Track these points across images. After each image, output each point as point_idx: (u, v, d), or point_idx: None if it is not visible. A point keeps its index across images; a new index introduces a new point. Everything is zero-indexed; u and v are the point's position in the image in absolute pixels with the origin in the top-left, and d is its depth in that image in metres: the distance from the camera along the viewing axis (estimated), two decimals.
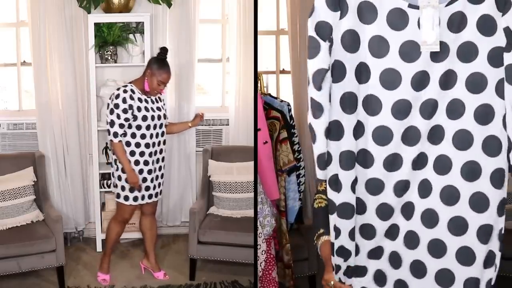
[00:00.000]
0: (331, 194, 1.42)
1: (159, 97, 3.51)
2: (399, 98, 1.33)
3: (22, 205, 3.69)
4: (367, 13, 1.29)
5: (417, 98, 1.32)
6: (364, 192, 1.40)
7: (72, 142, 4.17)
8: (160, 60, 3.40)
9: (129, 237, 4.24)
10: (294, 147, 3.44)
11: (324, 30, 1.34)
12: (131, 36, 4.19)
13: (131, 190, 3.40)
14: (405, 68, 1.31)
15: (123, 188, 3.41)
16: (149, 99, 3.42)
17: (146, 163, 3.40)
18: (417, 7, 1.29)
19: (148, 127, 3.38)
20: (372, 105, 1.34)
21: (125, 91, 3.33)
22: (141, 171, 3.40)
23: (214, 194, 3.96)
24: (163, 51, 3.43)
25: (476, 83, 1.30)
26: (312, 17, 1.36)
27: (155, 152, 3.46)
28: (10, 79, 4.39)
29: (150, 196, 3.51)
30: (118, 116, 3.28)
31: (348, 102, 1.37)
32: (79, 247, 4.21)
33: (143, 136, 3.36)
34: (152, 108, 3.41)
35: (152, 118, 3.39)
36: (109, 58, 4.11)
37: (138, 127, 3.34)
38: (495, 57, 1.28)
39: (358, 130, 1.38)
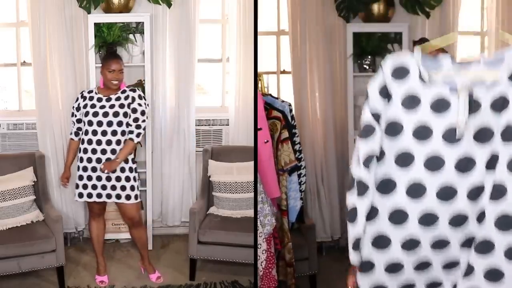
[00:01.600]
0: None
1: (132, 97, 3.41)
2: (443, 181, 1.37)
3: (22, 205, 3.69)
4: (411, 101, 1.35)
5: (462, 181, 1.36)
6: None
7: None
8: (107, 54, 3.55)
9: (128, 237, 4.23)
10: (295, 147, 3.44)
11: (377, 115, 1.40)
12: (131, 36, 4.19)
13: (76, 186, 3.47)
14: (447, 152, 1.36)
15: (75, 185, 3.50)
16: (104, 98, 3.43)
17: (89, 160, 3.41)
18: (455, 90, 1.34)
19: (90, 123, 3.39)
20: (416, 189, 1.39)
21: (81, 93, 3.55)
22: (84, 168, 3.42)
23: (214, 194, 3.96)
24: (110, 46, 3.59)
25: None
26: (367, 102, 1.43)
27: (102, 150, 3.38)
28: (10, 79, 4.39)
29: (99, 195, 3.44)
30: (71, 115, 3.55)
31: (386, 185, 1.42)
32: (79, 247, 4.22)
33: (86, 133, 3.41)
34: (102, 106, 3.40)
35: (95, 114, 3.39)
36: None
37: (88, 124, 3.40)
38: None
39: (401, 217, 1.41)
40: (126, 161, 3.42)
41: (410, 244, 1.41)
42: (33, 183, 3.81)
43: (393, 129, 1.37)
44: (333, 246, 4.37)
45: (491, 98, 1.34)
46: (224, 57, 4.53)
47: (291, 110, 3.43)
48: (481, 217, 1.37)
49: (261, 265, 2.87)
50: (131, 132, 3.40)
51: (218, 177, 3.94)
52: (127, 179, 3.43)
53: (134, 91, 3.47)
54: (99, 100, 3.44)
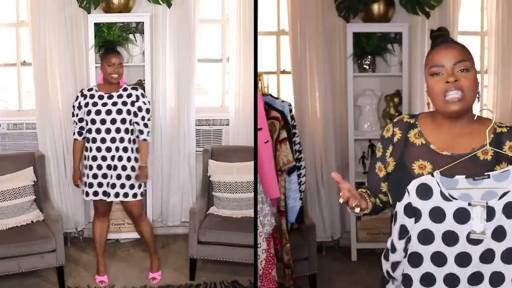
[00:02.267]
0: None
1: (136, 95, 3.41)
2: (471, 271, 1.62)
3: (22, 205, 3.69)
4: (437, 215, 1.61)
5: (485, 270, 1.60)
6: None
7: (72, 142, 4.16)
8: (106, 49, 3.57)
9: (129, 237, 4.24)
10: (295, 147, 3.44)
11: (404, 232, 1.65)
12: (131, 36, 4.19)
13: (84, 184, 3.48)
14: (472, 250, 1.62)
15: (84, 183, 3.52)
16: (105, 95, 3.42)
17: (94, 158, 3.42)
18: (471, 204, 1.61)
19: (93, 122, 3.40)
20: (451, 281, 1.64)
21: (80, 91, 3.54)
22: (90, 167, 3.44)
23: (214, 194, 3.96)
24: (109, 42, 3.63)
25: None
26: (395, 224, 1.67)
27: (107, 148, 3.39)
28: (10, 79, 4.39)
29: (105, 193, 3.44)
30: (72, 115, 3.53)
31: (428, 279, 1.66)
32: (79, 247, 4.22)
33: (89, 131, 3.43)
34: (104, 103, 3.40)
35: (97, 113, 3.39)
36: None
37: (91, 122, 3.41)
38: None
39: None
40: (136, 160, 3.45)
41: None
42: (33, 183, 3.81)
43: (425, 237, 1.62)
44: (333, 246, 4.37)
45: (502, 205, 1.58)
46: (224, 57, 4.53)
47: (290, 110, 3.43)
48: None
49: (261, 264, 2.88)
50: (141, 132, 3.42)
51: (218, 177, 3.94)
52: (128, 177, 3.43)
53: (136, 89, 3.47)
54: (101, 97, 3.43)
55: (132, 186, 3.43)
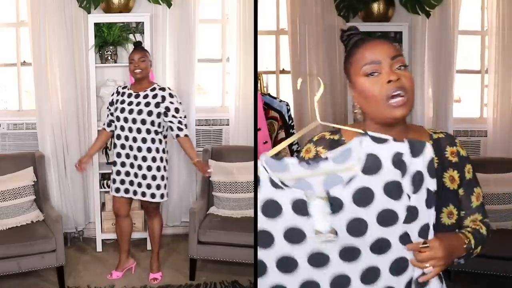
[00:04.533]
0: None
1: (162, 96, 3.41)
2: (334, 272, 1.37)
3: (22, 205, 3.69)
4: (271, 209, 1.35)
5: (352, 270, 1.35)
6: None
7: (72, 142, 4.17)
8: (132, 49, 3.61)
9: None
10: (293, 147, 3.44)
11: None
12: (131, 36, 4.19)
13: (109, 179, 3.59)
14: (328, 248, 1.35)
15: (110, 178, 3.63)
16: (137, 93, 3.46)
17: (118, 155, 3.49)
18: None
19: (118, 119, 3.46)
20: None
21: (117, 88, 3.61)
22: (114, 163, 3.52)
23: (214, 194, 3.96)
24: (136, 43, 3.65)
25: (407, 241, 1.36)
26: None
27: (129, 146, 3.44)
28: (10, 79, 4.39)
29: (126, 191, 3.51)
30: (107, 108, 3.62)
31: None
32: (79, 247, 4.22)
33: (116, 127, 3.50)
34: (130, 102, 3.44)
35: (122, 110, 3.44)
36: (109, 58, 4.12)
37: (116, 119, 3.49)
38: (410, 215, 1.33)
39: None
40: (162, 160, 3.47)
41: None
42: (33, 183, 3.81)
43: (265, 239, 1.36)
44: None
45: (351, 193, 1.32)
46: (224, 57, 4.53)
47: (288, 110, 3.43)
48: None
49: None
50: (179, 129, 3.41)
51: (218, 177, 3.94)
52: (154, 178, 3.48)
53: (163, 90, 3.46)
54: (129, 96, 3.48)
55: (158, 187, 3.47)
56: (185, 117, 3.47)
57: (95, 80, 4.02)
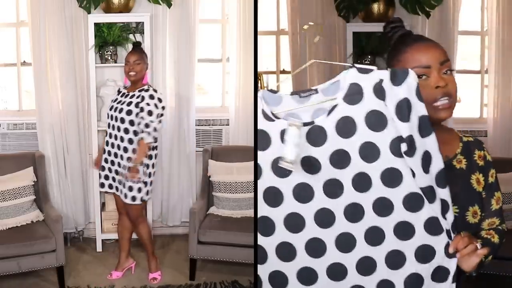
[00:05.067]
0: None
1: (142, 96, 3.39)
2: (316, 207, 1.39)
3: (22, 205, 3.69)
4: (261, 140, 1.41)
5: (335, 205, 1.37)
6: None
7: (72, 142, 4.17)
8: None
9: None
10: None
11: None
12: (131, 36, 4.19)
13: (99, 176, 3.65)
14: (313, 183, 1.37)
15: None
16: (128, 93, 3.48)
17: (109, 153, 3.52)
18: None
19: (108, 116, 3.50)
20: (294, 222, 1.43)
21: (118, 88, 3.67)
22: (105, 160, 3.56)
23: (214, 194, 3.96)
24: (135, 43, 3.67)
25: (391, 178, 1.34)
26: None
27: (111, 144, 3.48)
28: (10, 79, 4.39)
29: (110, 186, 3.56)
30: None
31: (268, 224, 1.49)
32: (79, 247, 4.22)
33: (108, 125, 3.54)
34: (119, 101, 3.48)
35: (111, 108, 3.49)
36: (109, 58, 4.12)
37: (108, 117, 3.53)
38: (397, 148, 1.32)
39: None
40: (144, 164, 3.42)
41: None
42: (33, 183, 3.81)
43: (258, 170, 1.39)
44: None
45: (334, 123, 1.34)
46: (224, 57, 4.52)
47: None
48: (370, 237, 1.38)
49: None
50: (142, 131, 3.38)
51: (218, 177, 3.94)
52: (144, 182, 3.44)
53: (147, 90, 3.44)
54: (123, 95, 3.52)
55: (130, 188, 3.42)
56: (159, 121, 3.40)
57: (95, 80, 4.02)
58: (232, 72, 4.35)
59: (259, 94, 1.44)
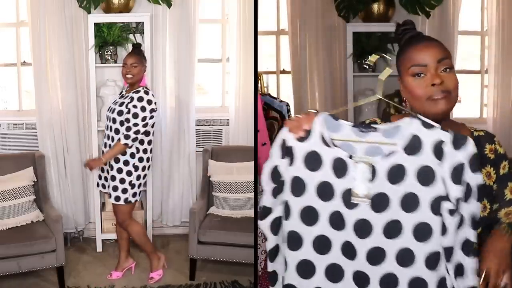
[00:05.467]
0: None
1: (131, 97, 3.38)
2: (345, 239, 1.41)
3: (22, 205, 3.69)
4: (313, 161, 1.42)
5: (361, 243, 1.39)
6: None
7: (72, 142, 4.17)
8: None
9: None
10: None
11: (276, 173, 1.46)
12: (131, 36, 4.19)
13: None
14: (347, 213, 1.40)
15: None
16: (126, 95, 3.48)
17: (102, 152, 3.55)
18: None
19: (106, 117, 3.54)
20: (322, 244, 1.44)
21: (121, 90, 3.70)
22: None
23: (214, 194, 3.96)
24: (134, 45, 3.68)
25: (422, 232, 1.35)
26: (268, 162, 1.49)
27: (105, 144, 3.50)
28: (10, 79, 4.39)
29: (103, 186, 3.59)
30: None
31: (295, 239, 1.46)
32: (79, 247, 4.22)
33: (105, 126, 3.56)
34: (116, 102, 3.50)
35: (108, 110, 3.53)
36: (109, 58, 4.12)
37: (106, 117, 3.57)
38: (436, 206, 1.34)
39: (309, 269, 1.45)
40: (126, 163, 3.41)
41: None
42: (33, 183, 3.81)
43: (298, 187, 1.43)
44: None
45: (387, 167, 1.37)
46: (224, 57, 4.53)
47: (288, 110, 3.43)
48: (390, 282, 1.39)
49: (260, 265, 2.88)
50: (122, 133, 3.36)
51: (218, 177, 3.94)
52: (122, 181, 3.42)
53: (137, 92, 3.42)
54: (121, 97, 3.54)
55: (124, 191, 3.42)
56: (144, 125, 3.35)
57: (95, 80, 4.02)
58: (232, 72, 4.35)
59: (320, 117, 1.43)
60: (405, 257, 1.36)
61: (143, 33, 4.09)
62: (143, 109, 3.36)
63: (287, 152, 1.44)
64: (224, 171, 3.95)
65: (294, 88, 4.34)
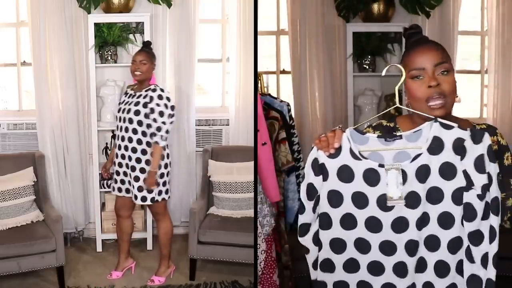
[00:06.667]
0: None
1: (151, 96, 3.36)
2: (383, 239, 1.57)
3: (22, 205, 3.69)
4: (345, 174, 1.56)
5: (399, 239, 1.55)
6: None
7: (72, 142, 4.17)
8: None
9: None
10: (293, 147, 3.44)
11: (312, 190, 1.61)
12: (131, 36, 4.19)
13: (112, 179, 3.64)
14: (384, 216, 1.56)
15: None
16: (134, 94, 3.47)
17: (116, 155, 3.52)
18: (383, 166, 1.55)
19: (117, 119, 3.51)
20: (362, 245, 1.59)
21: (126, 89, 3.64)
22: (115, 163, 3.54)
23: (214, 194, 3.96)
24: (144, 43, 3.66)
25: (445, 220, 1.53)
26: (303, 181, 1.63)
27: (119, 146, 3.47)
28: (10, 79, 4.39)
29: (127, 191, 3.54)
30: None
31: (338, 244, 1.62)
32: (79, 247, 4.22)
33: (116, 127, 3.53)
34: (127, 102, 3.46)
35: (118, 110, 3.50)
36: (109, 58, 4.12)
37: (117, 119, 3.53)
38: (458, 197, 1.51)
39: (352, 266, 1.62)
40: (148, 163, 3.41)
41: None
42: (33, 183, 3.81)
43: (335, 199, 1.57)
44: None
45: (415, 169, 1.52)
46: (224, 57, 4.53)
47: (289, 110, 3.43)
48: (420, 266, 1.56)
49: (260, 265, 2.87)
50: (153, 134, 3.36)
51: (218, 177, 3.94)
52: (134, 177, 3.43)
53: (154, 90, 3.41)
54: (130, 96, 3.50)
55: (150, 190, 3.42)
56: (171, 122, 3.38)
57: (95, 80, 4.02)
58: (232, 72, 4.35)
59: (347, 133, 1.58)
60: (432, 243, 1.53)
61: (143, 33, 4.09)
62: (166, 106, 3.37)
63: (320, 169, 1.57)
64: (224, 171, 3.96)
65: (294, 88, 4.34)
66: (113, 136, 3.91)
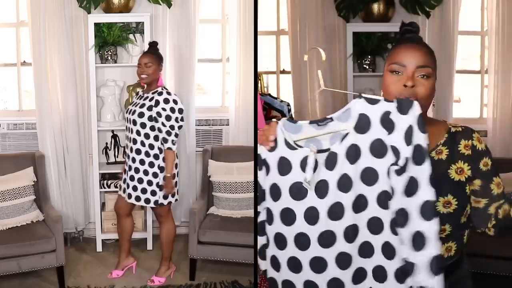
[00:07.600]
0: None
1: (157, 100, 3.32)
2: (322, 230, 1.52)
3: (22, 205, 3.69)
4: (283, 167, 1.53)
5: (336, 226, 1.49)
6: None
7: (72, 142, 4.18)
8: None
9: None
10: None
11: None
12: (131, 36, 4.19)
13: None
14: (320, 204, 1.50)
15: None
16: (144, 95, 3.46)
17: (123, 156, 3.56)
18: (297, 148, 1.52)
19: (125, 119, 3.52)
20: (302, 241, 1.54)
21: (139, 91, 3.71)
22: (125, 163, 3.55)
23: (214, 194, 3.96)
24: (150, 43, 3.60)
25: (385, 201, 1.47)
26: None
27: (130, 148, 3.45)
28: (10, 79, 4.39)
29: (129, 196, 3.50)
30: None
31: (280, 239, 1.58)
32: (79, 247, 4.22)
33: (125, 128, 3.54)
34: (135, 104, 3.46)
35: (127, 111, 3.49)
36: (109, 58, 4.12)
37: (125, 119, 3.55)
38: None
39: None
40: (159, 167, 3.40)
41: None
42: (33, 183, 3.81)
43: (274, 192, 1.54)
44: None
45: (345, 150, 1.47)
46: (224, 57, 4.53)
47: (289, 110, 3.43)
48: (367, 251, 1.51)
49: (260, 265, 2.87)
50: (164, 140, 3.35)
51: (218, 177, 3.95)
52: (149, 183, 3.41)
53: (160, 93, 3.36)
54: (139, 97, 3.50)
55: (153, 193, 3.42)
56: (179, 126, 3.37)
57: (95, 80, 4.02)
58: (232, 72, 4.35)
59: (279, 124, 1.55)
60: (374, 226, 1.48)
61: (143, 33, 4.09)
62: (172, 110, 3.33)
63: (262, 164, 1.57)
64: (224, 171, 3.96)
65: (294, 88, 4.34)
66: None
